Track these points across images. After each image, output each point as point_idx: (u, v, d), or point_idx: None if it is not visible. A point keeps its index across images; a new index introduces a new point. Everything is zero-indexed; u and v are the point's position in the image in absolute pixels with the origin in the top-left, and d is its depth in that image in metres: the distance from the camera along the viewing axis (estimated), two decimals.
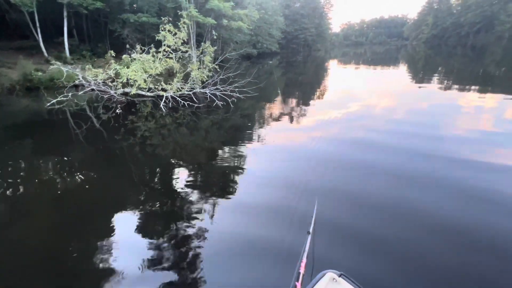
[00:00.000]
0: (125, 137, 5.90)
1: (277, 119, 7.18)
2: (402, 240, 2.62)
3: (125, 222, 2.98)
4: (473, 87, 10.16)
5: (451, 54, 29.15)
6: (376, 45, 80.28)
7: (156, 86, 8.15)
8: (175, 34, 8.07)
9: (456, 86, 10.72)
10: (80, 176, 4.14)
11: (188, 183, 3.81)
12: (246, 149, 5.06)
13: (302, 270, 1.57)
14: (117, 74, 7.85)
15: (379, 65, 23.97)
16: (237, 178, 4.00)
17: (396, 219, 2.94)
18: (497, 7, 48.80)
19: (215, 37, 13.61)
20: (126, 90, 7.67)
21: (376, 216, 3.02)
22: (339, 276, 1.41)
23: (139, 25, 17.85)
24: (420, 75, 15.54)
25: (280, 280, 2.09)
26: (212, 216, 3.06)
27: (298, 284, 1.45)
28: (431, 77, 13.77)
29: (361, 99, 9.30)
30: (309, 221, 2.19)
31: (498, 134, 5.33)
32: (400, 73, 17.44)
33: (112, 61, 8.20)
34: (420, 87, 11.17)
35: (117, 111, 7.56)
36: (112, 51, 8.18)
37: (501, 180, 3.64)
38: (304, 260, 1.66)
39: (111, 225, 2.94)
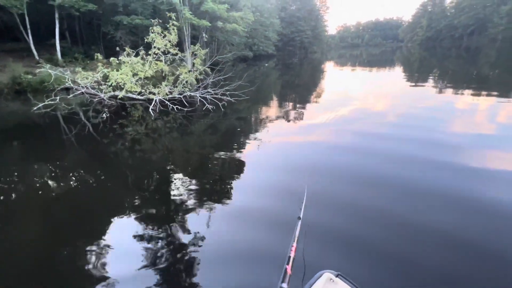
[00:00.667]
0: (115, 141, 5.78)
1: (272, 121, 7.08)
2: (388, 232, 2.66)
3: (119, 225, 2.95)
4: (468, 89, 10.14)
5: (445, 56, 29.38)
6: (372, 47, 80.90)
7: (144, 90, 7.90)
8: (165, 36, 7.86)
9: (451, 87, 10.73)
10: (71, 180, 4.06)
11: (182, 185, 3.78)
12: (240, 151, 5.00)
13: (292, 254, 1.58)
14: (106, 77, 7.63)
15: (375, 66, 24.03)
16: (231, 178, 3.98)
17: (386, 215, 2.96)
18: (490, 10, 49.53)
19: (205, 39, 13.45)
20: (116, 93, 7.45)
21: (367, 207, 3.07)
22: (336, 276, 1.39)
23: (133, 27, 17.67)
24: (416, 76, 15.56)
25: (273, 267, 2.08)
26: (206, 216, 3.06)
27: (288, 267, 1.46)
28: (426, 79, 13.79)
29: (357, 100, 9.29)
30: (300, 207, 2.23)
31: (492, 135, 5.34)
32: (396, 74, 17.46)
33: (100, 64, 7.98)
34: (415, 88, 11.15)
35: (106, 114, 7.36)
36: (99, 54, 7.95)
37: (493, 180, 3.60)
38: (295, 244, 1.68)
39: (105, 228, 2.90)
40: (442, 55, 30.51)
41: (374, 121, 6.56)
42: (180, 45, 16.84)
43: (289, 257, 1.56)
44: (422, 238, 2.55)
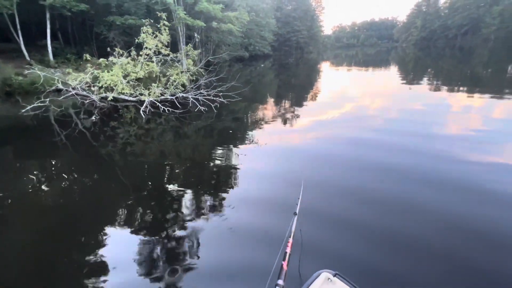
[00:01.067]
0: (107, 143, 5.71)
1: (268, 122, 7.04)
2: (380, 226, 2.71)
3: (114, 224, 2.96)
4: (462, 88, 10.19)
5: (440, 56, 29.63)
6: (367, 47, 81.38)
7: (134, 91, 7.73)
8: (156, 36, 7.71)
9: (445, 87, 10.78)
10: (64, 182, 4.03)
11: (178, 185, 3.80)
12: (235, 150, 5.00)
13: (288, 250, 1.58)
14: (96, 79, 7.45)
15: (370, 66, 24.12)
16: (227, 177, 4.00)
17: (381, 209, 3.03)
18: (483, 10, 50.16)
19: (197, 40, 13.27)
20: (107, 94, 7.29)
21: (363, 204, 3.10)
22: (334, 275, 1.39)
23: (127, 27, 17.43)
24: (411, 76, 15.64)
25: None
26: (203, 213, 3.06)
27: (285, 264, 1.46)
28: (421, 78, 13.87)
29: (353, 100, 9.32)
30: (296, 203, 2.25)
31: (486, 132, 5.41)
32: (391, 74, 17.52)
33: (89, 65, 7.81)
34: (410, 87, 11.19)
35: (96, 116, 7.21)
36: (88, 55, 7.78)
37: (488, 173, 3.68)
38: (291, 240, 1.68)
39: (100, 229, 2.89)
40: (437, 55, 30.78)
41: (371, 120, 6.61)
42: (175, 45, 16.67)
43: (285, 253, 1.56)
44: (419, 235, 2.55)
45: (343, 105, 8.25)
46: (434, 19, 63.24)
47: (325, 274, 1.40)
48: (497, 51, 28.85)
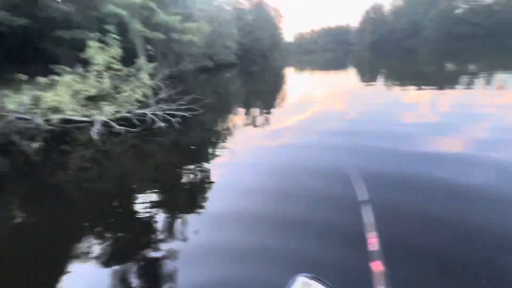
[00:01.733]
0: (58, 171, 5.18)
1: (238, 129, 7.00)
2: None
3: (80, 260, 2.64)
4: (411, 83, 11.14)
5: (389, 57, 32.50)
6: (327, 51, 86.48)
7: (84, 112, 7.05)
8: (106, 51, 7.18)
9: (397, 84, 11.85)
10: (13, 221, 3.55)
11: (144, 207, 3.51)
12: (202, 164, 4.80)
13: (376, 247, 1.33)
14: (38, 100, 6.67)
15: (331, 69, 25.51)
16: (200, 188, 3.91)
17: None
18: (421, 15, 56.60)
19: (152, 53, 12.82)
20: (53, 116, 6.55)
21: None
22: (311, 279, 1.36)
23: (79, 42, 16.22)
24: (367, 76, 16.85)
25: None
26: (180, 227, 2.97)
27: (379, 263, 1.24)
28: (376, 77, 15.10)
29: (320, 101, 9.72)
30: (356, 190, 1.91)
31: (441, 122, 5.85)
32: (351, 75, 18.73)
33: (26, 86, 6.99)
34: (368, 86, 12.10)
35: (42, 143, 6.44)
36: (21, 74, 6.95)
37: (442, 164, 3.93)
38: (374, 234, 1.42)
39: (64, 268, 2.55)
40: (387, 56, 33.73)
41: (339, 118, 7.01)
42: (135, 59, 15.85)
43: (374, 251, 1.30)
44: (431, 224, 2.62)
45: (311, 108, 8.48)
46: (382, 24, 69.66)
47: (301, 279, 1.37)
48: (437, 50, 32.59)
